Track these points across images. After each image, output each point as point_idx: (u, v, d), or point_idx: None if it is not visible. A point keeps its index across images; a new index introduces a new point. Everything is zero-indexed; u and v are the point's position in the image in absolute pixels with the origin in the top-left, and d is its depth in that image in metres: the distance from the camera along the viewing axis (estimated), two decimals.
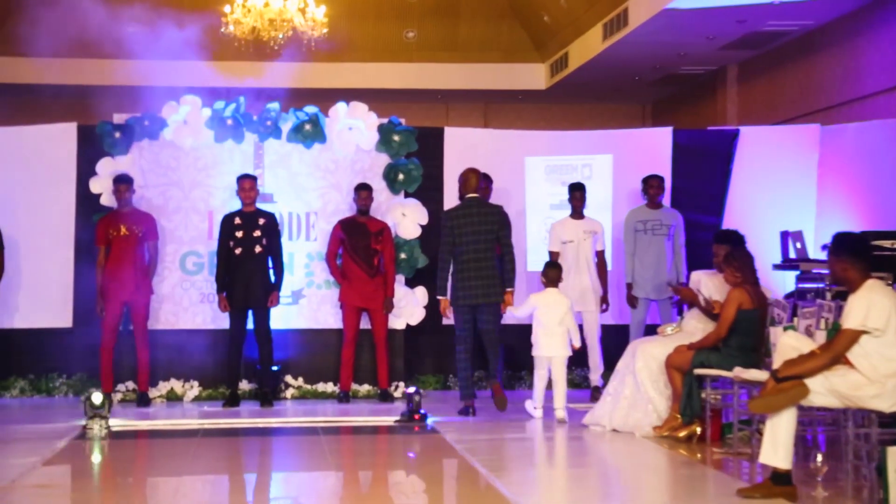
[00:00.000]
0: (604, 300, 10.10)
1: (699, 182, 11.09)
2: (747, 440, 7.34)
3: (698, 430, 7.74)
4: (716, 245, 8.28)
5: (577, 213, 10.13)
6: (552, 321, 8.81)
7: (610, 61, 14.85)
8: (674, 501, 6.20)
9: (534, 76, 16.41)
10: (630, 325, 10.20)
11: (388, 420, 8.89)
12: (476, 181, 9.24)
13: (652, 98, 17.93)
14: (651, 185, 10.21)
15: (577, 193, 10.12)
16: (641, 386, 8.09)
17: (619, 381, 8.28)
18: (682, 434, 7.74)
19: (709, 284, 8.32)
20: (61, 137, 10.41)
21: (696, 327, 8.19)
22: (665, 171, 10.76)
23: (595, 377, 10.06)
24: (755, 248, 8.32)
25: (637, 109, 18.17)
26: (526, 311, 8.97)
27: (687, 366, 7.78)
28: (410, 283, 10.39)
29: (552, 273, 9.03)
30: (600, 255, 10.15)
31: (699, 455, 7.33)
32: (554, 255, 10.05)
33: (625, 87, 16.76)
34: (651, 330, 9.65)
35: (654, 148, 11.11)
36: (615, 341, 10.16)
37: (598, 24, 14.53)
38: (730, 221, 10.72)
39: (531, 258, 10.96)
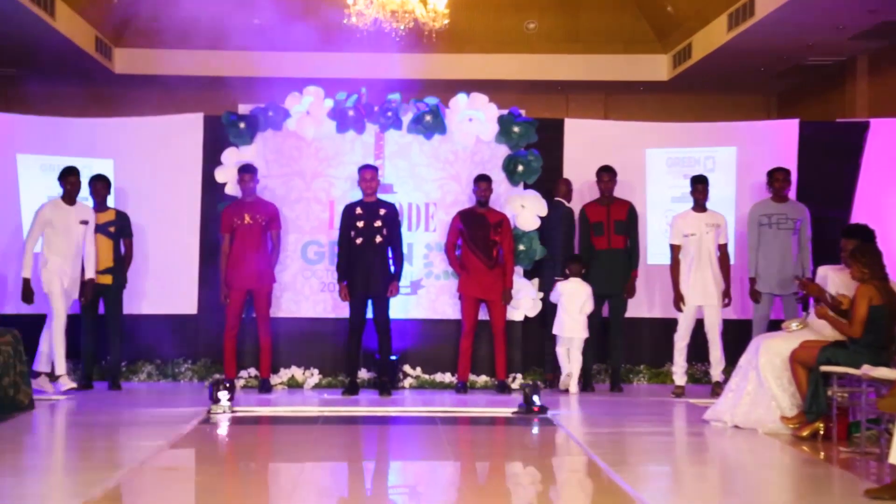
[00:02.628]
0: (726, 294, 9.93)
1: (826, 175, 10.82)
2: (875, 440, 7.14)
3: (822, 428, 7.56)
4: (843, 240, 8.07)
5: (700, 206, 9.97)
6: (574, 307, 9.88)
7: (735, 52, 14.60)
8: (798, 500, 6.06)
9: (656, 67, 16.21)
10: (753, 320, 10.01)
11: (506, 411, 8.88)
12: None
13: (777, 89, 17.57)
14: (777, 178, 9.99)
15: (699, 186, 9.96)
16: (765, 382, 7.93)
17: (742, 376, 8.14)
18: (806, 432, 7.56)
19: (835, 280, 8.12)
20: (188, 128, 10.65)
21: (822, 323, 8.00)
22: (791, 163, 10.53)
23: (716, 372, 9.91)
24: (885, 244, 8.09)
25: (762, 101, 17.81)
26: (555, 296, 9.97)
27: (812, 362, 7.60)
28: (529, 275, 10.37)
29: (574, 266, 9.99)
30: (723, 249, 9.97)
31: (823, 454, 7.15)
32: (675, 249, 9.92)
33: (749, 79, 16.46)
34: (774, 325, 9.46)
35: (779, 140, 10.89)
36: (737, 336, 9.99)
37: (723, 14, 14.30)
38: (858, 216, 10.44)
39: (651, 251, 10.84)
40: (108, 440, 7.57)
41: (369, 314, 9.77)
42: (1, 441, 7.26)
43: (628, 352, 10.56)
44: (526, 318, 10.29)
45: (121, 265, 9.95)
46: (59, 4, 12.46)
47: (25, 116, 11.11)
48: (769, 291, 9.96)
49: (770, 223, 9.97)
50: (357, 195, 9.93)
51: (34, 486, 6.06)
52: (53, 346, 9.45)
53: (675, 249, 9.91)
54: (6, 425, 7.90)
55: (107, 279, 9.88)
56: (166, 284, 10.42)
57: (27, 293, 9.51)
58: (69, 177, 9.62)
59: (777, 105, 18.13)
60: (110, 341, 9.96)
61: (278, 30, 14.70)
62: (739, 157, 10.89)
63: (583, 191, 10.65)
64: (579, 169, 10.72)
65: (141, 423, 8.12)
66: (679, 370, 9.87)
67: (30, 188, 10.51)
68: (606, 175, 10.21)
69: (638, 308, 10.62)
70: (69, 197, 9.62)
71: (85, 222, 9.65)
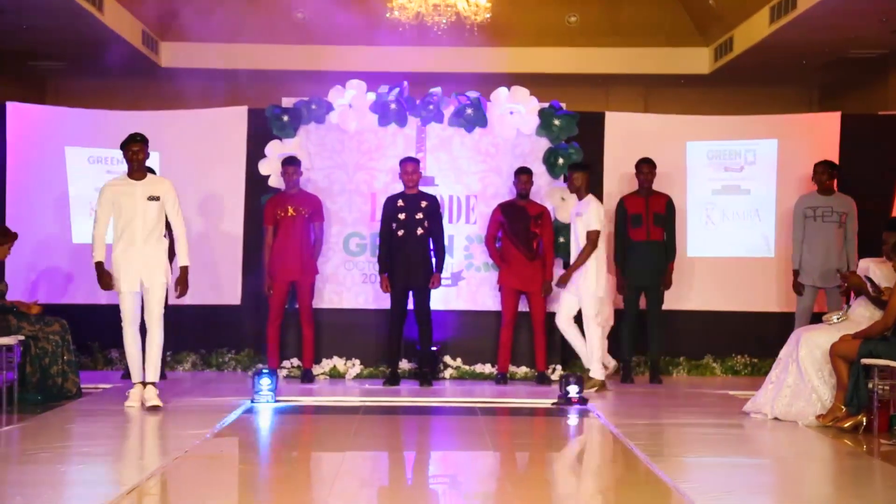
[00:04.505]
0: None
1: (868, 168, 10.77)
2: None
3: (864, 420, 7.55)
4: (886, 233, 8.05)
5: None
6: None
7: (776, 45, 14.52)
8: (839, 492, 6.07)
9: (697, 60, 16.14)
10: (795, 312, 10.00)
11: (546, 402, 8.93)
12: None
13: (819, 82, 17.44)
14: (822, 171, 9.96)
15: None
16: (805, 374, 7.93)
17: (782, 369, 8.14)
18: (848, 424, 7.56)
19: (877, 272, 8.09)
20: (233, 121, 10.77)
21: (862, 315, 7.98)
22: (833, 156, 10.50)
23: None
24: None
25: (803, 94, 17.68)
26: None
27: (853, 355, 7.59)
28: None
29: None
30: (590, 236, 9.79)
31: (865, 446, 7.15)
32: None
33: (791, 72, 16.35)
34: (817, 318, 9.44)
35: (821, 133, 10.85)
36: (779, 329, 9.98)
37: (765, 7, 14.22)
38: None
39: (691, 244, 10.84)
40: (152, 429, 7.68)
41: (410, 305, 9.85)
42: (48, 429, 7.40)
43: (667, 344, 10.57)
44: None
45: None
46: None
47: (73, 109, 11.29)
48: (812, 284, 9.93)
49: (815, 216, 9.94)
50: (398, 187, 10.00)
51: (80, 473, 6.18)
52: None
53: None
54: (54, 413, 8.05)
55: None
56: (211, 276, 10.55)
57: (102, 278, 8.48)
58: (131, 145, 8.23)
59: (819, 98, 17.99)
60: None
61: (321, 24, 14.78)
62: (780, 149, 10.86)
63: (622, 183, 10.67)
64: (619, 161, 10.75)
65: (185, 411, 8.24)
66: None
67: (78, 180, 10.68)
68: (646, 167, 10.22)
69: (676, 300, 10.63)
70: (132, 170, 8.25)
71: (154, 198, 8.31)
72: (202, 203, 10.65)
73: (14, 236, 8.78)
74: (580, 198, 9.66)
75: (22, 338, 8.50)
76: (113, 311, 9.67)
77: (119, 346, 10.28)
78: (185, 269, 8.43)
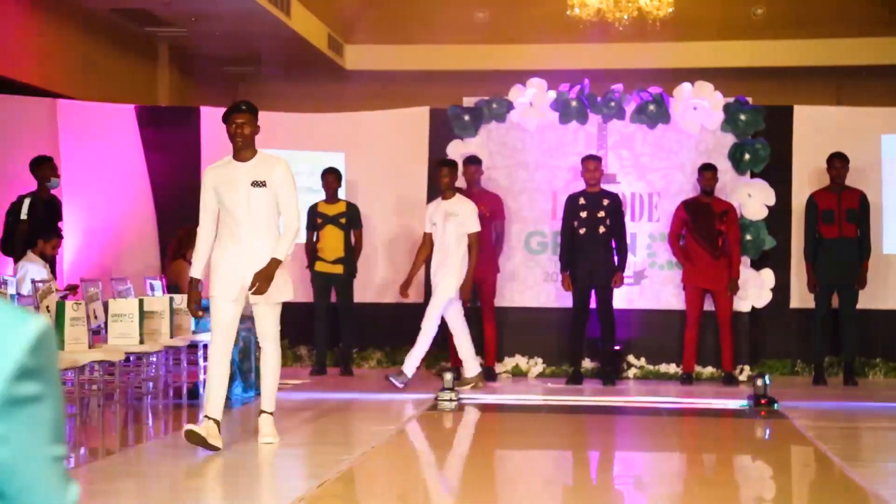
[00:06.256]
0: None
1: None
2: None
3: None
4: None
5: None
6: None
7: None
8: None
9: (891, 51, 15.55)
10: None
11: (733, 404, 8.73)
12: None
13: None
14: None
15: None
16: None
17: None
18: None
19: None
20: (415, 121, 10.91)
21: None
22: None
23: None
24: None
25: None
26: None
27: None
28: (756, 265, 10.15)
29: None
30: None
31: None
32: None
33: None
34: None
35: None
36: None
37: None
38: None
39: (887, 241, 10.43)
40: (341, 424, 7.85)
41: (592, 304, 9.78)
42: (245, 423, 7.63)
43: (862, 345, 10.19)
44: (754, 308, 10.08)
45: (351, 255, 10.26)
46: (295, 4, 12.96)
47: (262, 112, 11.59)
48: None
49: None
50: (580, 185, 9.94)
51: (272, 467, 6.35)
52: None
53: None
54: (246, 409, 8.30)
55: (338, 269, 10.20)
56: (395, 274, 10.71)
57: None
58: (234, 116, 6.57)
59: None
60: (342, 329, 10.29)
61: (502, 23, 14.83)
62: None
63: (811, 178, 10.35)
64: (809, 156, 10.42)
65: (371, 408, 8.38)
66: None
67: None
68: (838, 162, 9.87)
69: (871, 299, 10.23)
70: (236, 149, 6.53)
71: (259, 184, 6.41)
72: (388, 203, 10.82)
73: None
74: (449, 197, 9.31)
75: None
76: (298, 308, 9.94)
77: (308, 343, 10.58)
78: (273, 262, 6.32)
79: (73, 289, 8.92)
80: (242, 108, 6.46)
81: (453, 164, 9.53)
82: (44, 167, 9.63)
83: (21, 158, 9.79)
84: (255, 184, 6.34)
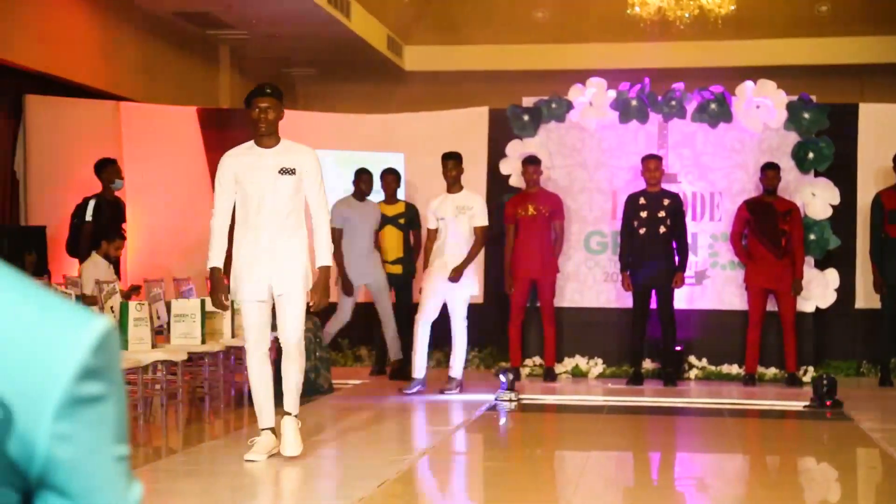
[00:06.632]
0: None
1: None
2: None
3: None
4: None
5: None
6: None
7: None
8: None
9: None
10: None
11: (797, 405, 8.62)
12: None
13: None
14: None
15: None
16: None
17: None
18: None
19: None
20: (474, 121, 10.91)
21: None
22: None
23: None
24: None
25: None
26: None
27: None
28: (820, 265, 10.02)
29: None
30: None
31: None
32: None
33: None
34: None
35: None
36: None
37: None
38: None
39: None
40: (400, 425, 7.87)
41: (653, 304, 9.71)
42: (304, 424, 7.67)
43: None
44: (818, 308, 9.95)
45: (410, 256, 10.28)
46: (354, 5, 13.02)
47: (322, 114, 11.69)
48: None
49: None
50: (640, 185, 9.87)
51: (332, 467, 6.38)
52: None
53: None
54: (306, 408, 8.33)
55: (397, 269, 10.22)
56: None
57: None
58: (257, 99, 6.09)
59: None
60: (403, 329, 10.29)
61: (561, 22, 14.79)
62: None
63: (877, 177, 10.19)
64: (874, 155, 10.26)
65: (430, 408, 8.39)
66: None
67: (325, 182, 11.03)
68: None
69: None
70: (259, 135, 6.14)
71: (288, 171, 6.12)
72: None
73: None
74: (456, 191, 9.21)
75: None
76: (358, 309, 9.98)
77: (367, 343, 10.61)
78: (325, 271, 6.12)
79: (136, 289, 9.03)
80: (267, 91, 6.05)
81: (458, 156, 9.35)
82: (108, 169, 9.77)
83: (86, 161, 9.93)
84: (284, 171, 6.03)
